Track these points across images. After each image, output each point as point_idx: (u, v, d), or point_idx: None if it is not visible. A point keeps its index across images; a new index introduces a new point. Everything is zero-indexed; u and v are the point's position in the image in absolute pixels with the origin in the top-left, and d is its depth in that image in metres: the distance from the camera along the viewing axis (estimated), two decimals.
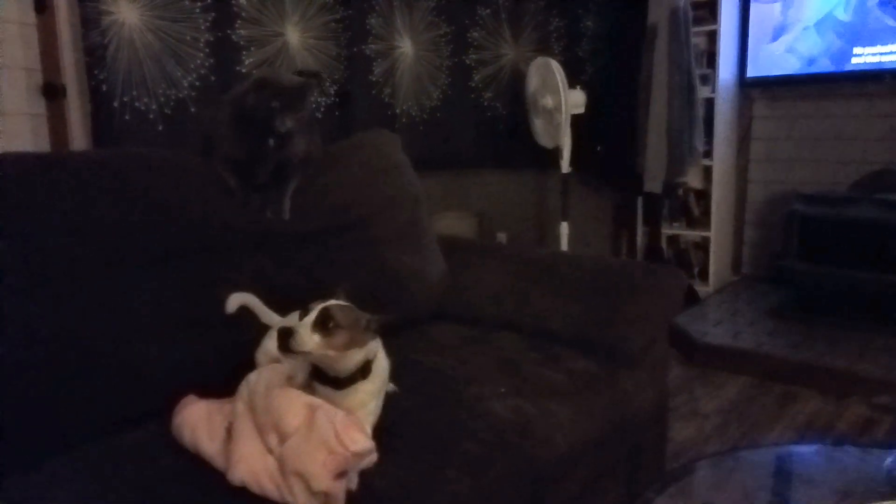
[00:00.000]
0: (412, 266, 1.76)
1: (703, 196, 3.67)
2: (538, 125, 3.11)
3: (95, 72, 1.88)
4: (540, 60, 3.03)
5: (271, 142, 1.39)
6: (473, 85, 3.16)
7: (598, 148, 3.42)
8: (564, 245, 3.10)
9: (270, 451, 1.00)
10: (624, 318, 1.60)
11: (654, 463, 1.71)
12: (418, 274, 1.76)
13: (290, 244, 1.52)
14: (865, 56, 3.24)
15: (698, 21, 3.43)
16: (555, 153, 3.09)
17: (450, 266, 1.87)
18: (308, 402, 1.02)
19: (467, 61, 3.12)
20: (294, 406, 1.01)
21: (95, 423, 1.15)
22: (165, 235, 1.33)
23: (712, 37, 3.50)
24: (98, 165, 1.32)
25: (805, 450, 1.53)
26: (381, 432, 1.09)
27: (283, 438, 0.99)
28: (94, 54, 1.88)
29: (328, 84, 2.48)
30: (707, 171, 3.58)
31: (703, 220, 3.64)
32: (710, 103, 3.46)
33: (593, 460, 1.39)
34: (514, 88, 3.27)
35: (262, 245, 1.47)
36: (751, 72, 3.59)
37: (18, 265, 1.13)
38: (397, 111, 2.81)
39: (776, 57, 3.50)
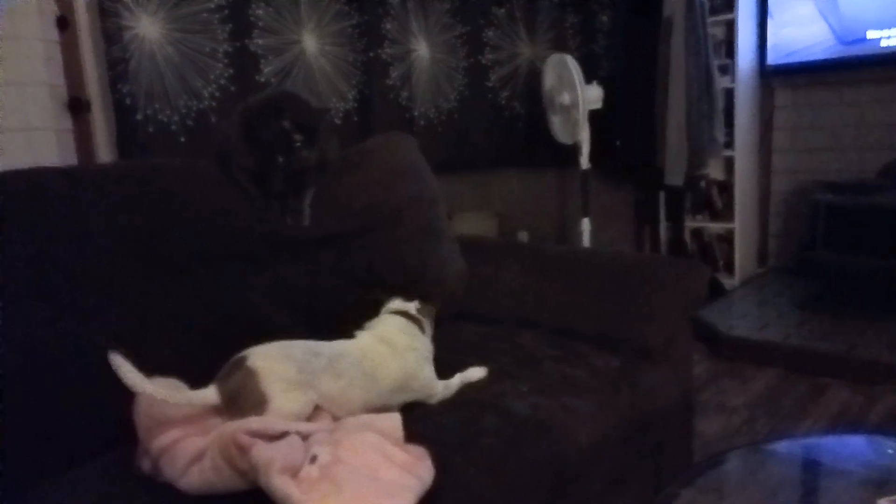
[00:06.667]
0: (432, 266, 1.77)
1: (726, 188, 3.62)
2: (556, 122, 3.10)
3: (118, 86, 1.93)
4: (555, 57, 3.03)
5: (280, 158, 1.41)
6: (490, 85, 3.16)
7: (617, 143, 3.40)
8: (586, 242, 3.08)
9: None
10: (644, 312, 1.59)
11: (680, 458, 1.69)
12: (438, 274, 1.77)
13: (310, 248, 1.54)
14: (891, 39, 3.17)
15: (715, 11, 3.40)
16: (573, 150, 3.08)
17: (470, 265, 1.88)
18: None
19: (483, 61, 3.12)
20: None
21: (107, 437, 1.12)
22: (188, 243, 1.36)
23: (730, 26, 3.45)
24: (121, 176, 1.36)
25: (836, 441, 1.50)
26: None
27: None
28: (117, 69, 1.92)
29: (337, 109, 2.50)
30: (729, 163, 3.53)
31: (727, 213, 3.60)
32: (729, 93, 3.42)
33: (616, 456, 1.38)
34: (531, 87, 3.27)
35: (283, 250, 1.50)
36: (771, 59, 3.54)
37: (41, 277, 1.15)
38: (415, 114, 2.82)
39: (797, 43, 3.44)
